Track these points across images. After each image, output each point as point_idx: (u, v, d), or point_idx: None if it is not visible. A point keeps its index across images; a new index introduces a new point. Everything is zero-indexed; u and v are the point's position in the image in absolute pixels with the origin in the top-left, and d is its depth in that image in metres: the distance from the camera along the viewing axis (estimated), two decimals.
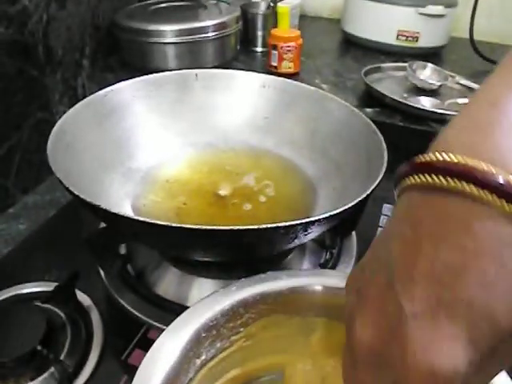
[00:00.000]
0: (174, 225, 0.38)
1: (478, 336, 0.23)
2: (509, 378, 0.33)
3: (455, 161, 0.23)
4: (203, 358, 0.37)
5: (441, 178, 0.23)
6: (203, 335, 0.36)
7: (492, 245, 0.22)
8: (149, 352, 0.34)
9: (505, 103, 0.24)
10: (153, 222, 0.39)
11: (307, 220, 0.41)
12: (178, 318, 0.37)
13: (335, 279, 0.41)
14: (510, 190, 0.22)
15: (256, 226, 0.39)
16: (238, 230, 0.39)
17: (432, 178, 0.24)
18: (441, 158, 0.24)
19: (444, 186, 0.23)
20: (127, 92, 0.65)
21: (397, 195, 0.27)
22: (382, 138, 0.55)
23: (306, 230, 0.43)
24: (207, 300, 0.38)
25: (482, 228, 0.22)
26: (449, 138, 0.25)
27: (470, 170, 0.23)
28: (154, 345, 0.34)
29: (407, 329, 0.23)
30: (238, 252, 0.48)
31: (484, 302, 0.22)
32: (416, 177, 0.25)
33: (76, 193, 0.42)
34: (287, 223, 0.40)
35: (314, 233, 0.46)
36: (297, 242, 0.46)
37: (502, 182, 0.22)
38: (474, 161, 0.23)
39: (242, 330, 0.39)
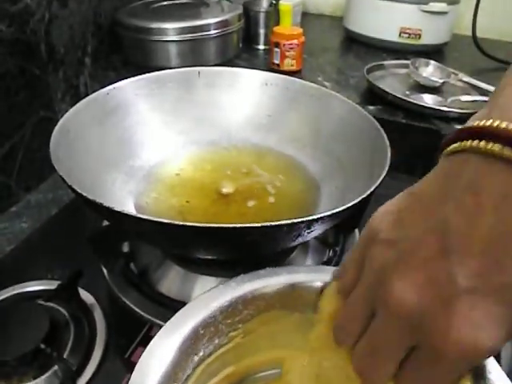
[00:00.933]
0: (176, 223, 0.38)
1: None
2: (508, 379, 0.33)
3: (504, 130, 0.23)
4: (201, 354, 0.37)
5: (506, 148, 0.23)
6: (201, 332, 0.36)
7: None
8: (146, 349, 0.34)
9: None
10: (155, 219, 0.39)
11: (310, 218, 0.41)
12: (176, 315, 0.37)
13: None
14: None
15: (259, 224, 0.39)
16: (241, 227, 0.39)
17: (496, 146, 0.24)
18: (503, 126, 0.24)
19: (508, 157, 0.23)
20: (129, 90, 0.65)
21: (444, 155, 0.27)
22: (385, 136, 0.55)
23: (310, 228, 0.43)
24: (205, 296, 0.38)
25: None
26: (505, 105, 0.25)
27: None
28: (152, 342, 0.34)
29: (458, 302, 0.23)
30: (241, 250, 0.48)
31: None
32: (475, 141, 0.25)
33: (79, 191, 0.42)
34: (290, 221, 0.40)
35: (317, 230, 0.46)
36: (300, 239, 0.46)
37: None
38: None
39: (240, 326, 0.39)
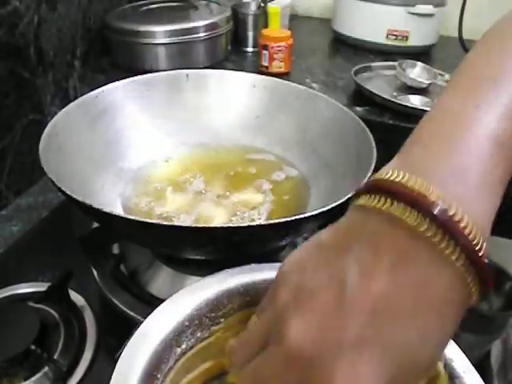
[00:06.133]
0: (164, 223, 0.39)
1: (400, 377, 0.24)
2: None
3: (415, 194, 0.24)
4: (183, 347, 0.37)
5: (403, 210, 0.24)
6: (186, 324, 0.37)
7: (440, 300, 0.24)
8: (132, 339, 0.34)
9: (471, 122, 0.26)
10: (144, 220, 0.39)
11: (297, 217, 0.41)
12: (160, 307, 0.37)
13: None
14: (466, 242, 0.23)
15: (246, 224, 0.39)
16: (228, 227, 0.40)
17: (394, 208, 0.24)
18: (402, 186, 0.24)
19: (407, 221, 0.24)
20: (119, 93, 0.65)
21: (352, 205, 0.28)
22: (371, 136, 0.55)
23: (297, 228, 0.44)
24: (190, 289, 0.38)
25: (436, 280, 0.24)
26: (414, 158, 0.26)
27: (429, 211, 0.23)
28: (137, 331, 0.34)
29: (343, 356, 0.24)
30: (230, 250, 0.48)
31: (416, 350, 0.24)
32: (381, 200, 0.25)
33: (68, 193, 0.43)
34: (277, 220, 0.40)
35: (305, 230, 0.46)
36: (288, 239, 0.46)
37: (457, 227, 0.23)
38: (431, 199, 0.24)
39: (222, 320, 0.39)
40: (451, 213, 0.23)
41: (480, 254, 0.23)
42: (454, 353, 0.35)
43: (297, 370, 0.26)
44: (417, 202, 0.24)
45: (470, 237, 0.23)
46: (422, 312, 0.24)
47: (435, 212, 0.23)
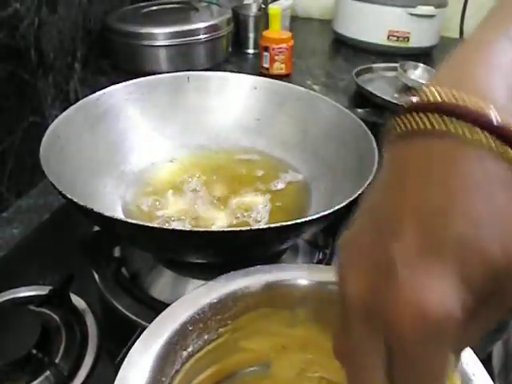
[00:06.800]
0: (165, 227, 0.39)
1: (471, 273, 0.22)
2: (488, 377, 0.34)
3: (441, 98, 0.23)
4: (190, 349, 0.37)
5: (425, 117, 0.23)
6: (190, 328, 0.37)
7: (479, 182, 0.22)
8: (133, 347, 0.34)
9: (495, 45, 0.25)
10: (144, 224, 0.39)
11: (299, 221, 0.41)
12: (164, 313, 0.37)
13: (322, 273, 0.42)
14: (501, 128, 0.22)
15: (247, 228, 0.39)
16: (230, 231, 0.39)
17: (418, 118, 0.23)
18: (427, 96, 0.23)
19: (429, 127, 0.23)
20: (119, 95, 0.65)
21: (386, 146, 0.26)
22: (372, 138, 0.55)
23: (298, 231, 0.44)
24: (195, 293, 0.39)
25: (469, 166, 0.22)
26: (439, 75, 0.25)
27: (457, 107, 0.22)
28: (140, 338, 0.35)
29: (397, 273, 0.22)
30: (231, 253, 0.48)
31: (474, 238, 0.22)
32: (403, 119, 0.24)
33: (69, 196, 0.43)
34: (278, 224, 0.40)
35: (306, 233, 0.46)
36: (290, 242, 0.46)
37: (492, 119, 0.22)
38: (461, 97, 0.22)
39: (229, 322, 0.39)
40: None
41: None
42: (463, 355, 0.35)
43: (370, 319, 0.24)
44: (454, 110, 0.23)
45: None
46: (461, 199, 0.22)
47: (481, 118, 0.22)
